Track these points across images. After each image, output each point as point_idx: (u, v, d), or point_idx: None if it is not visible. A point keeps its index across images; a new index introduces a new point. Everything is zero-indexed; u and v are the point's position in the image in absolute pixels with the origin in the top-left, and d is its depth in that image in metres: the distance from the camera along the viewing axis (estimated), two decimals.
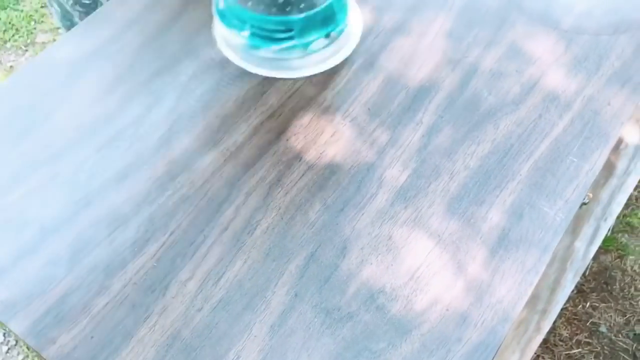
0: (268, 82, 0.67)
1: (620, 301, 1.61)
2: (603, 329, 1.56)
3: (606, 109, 0.64)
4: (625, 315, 1.58)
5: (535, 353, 0.90)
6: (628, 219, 1.72)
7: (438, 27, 0.71)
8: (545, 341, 1.49)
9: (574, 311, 1.60)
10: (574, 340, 1.54)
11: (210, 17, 0.72)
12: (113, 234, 0.57)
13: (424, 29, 0.71)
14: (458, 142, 0.62)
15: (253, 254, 0.56)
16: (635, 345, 1.54)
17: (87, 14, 0.87)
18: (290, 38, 0.63)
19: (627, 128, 0.65)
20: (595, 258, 1.68)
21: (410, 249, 0.56)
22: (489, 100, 0.65)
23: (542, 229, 0.57)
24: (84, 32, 0.72)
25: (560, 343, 1.54)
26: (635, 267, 1.65)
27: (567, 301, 1.61)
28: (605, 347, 1.53)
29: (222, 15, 0.66)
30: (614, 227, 1.73)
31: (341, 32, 0.67)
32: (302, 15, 0.61)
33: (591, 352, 1.54)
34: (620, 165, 0.86)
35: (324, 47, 0.66)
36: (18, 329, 0.52)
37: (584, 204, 0.60)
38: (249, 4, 0.62)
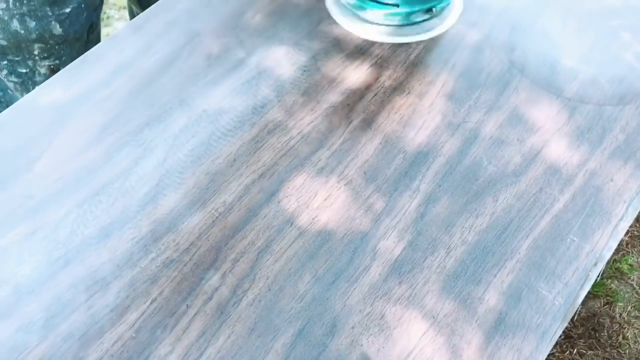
0: (260, 139, 0.65)
1: (608, 349, 1.59)
2: None
3: (609, 185, 0.62)
4: None
5: None
6: (618, 264, 1.71)
7: (439, 88, 0.69)
8: None
9: (560, 357, 1.58)
10: None
11: (205, 63, 0.69)
12: (91, 298, 0.54)
13: (425, 89, 0.69)
14: (456, 213, 0.60)
15: (237, 328, 0.53)
16: None
17: (22, 84, 0.85)
18: (396, 5, 0.71)
19: (629, 172, 0.63)
20: (584, 303, 1.66)
21: (403, 330, 0.54)
22: (488, 170, 0.63)
23: (540, 314, 0.55)
24: (72, 75, 0.70)
25: None
26: (624, 315, 1.64)
27: (555, 346, 1.59)
28: None
29: None
30: (603, 273, 1.72)
31: (442, 8, 0.74)
32: None
33: None
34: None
35: (423, 20, 0.74)
36: None
37: None
38: None
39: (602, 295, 1.67)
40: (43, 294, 0.55)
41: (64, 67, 0.70)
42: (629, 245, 1.74)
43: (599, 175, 0.63)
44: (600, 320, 1.64)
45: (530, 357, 0.52)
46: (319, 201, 0.61)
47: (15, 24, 0.80)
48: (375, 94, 0.69)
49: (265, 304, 0.55)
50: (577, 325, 1.62)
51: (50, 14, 0.81)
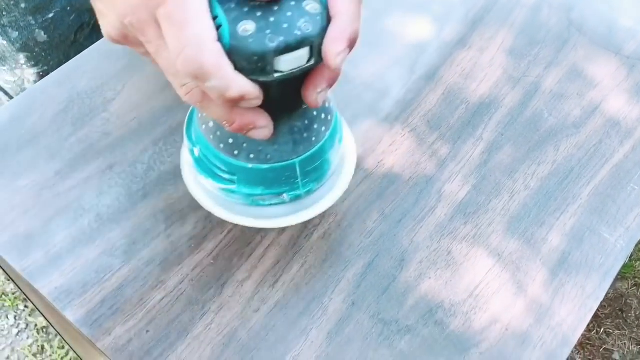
0: None
1: (635, 330, 1.60)
2: (616, 356, 1.56)
3: None
4: None
5: None
6: None
7: (499, 43, 0.71)
8: None
9: (587, 336, 1.59)
10: None
11: None
12: (170, 228, 0.57)
13: (485, 44, 0.71)
14: (519, 161, 0.62)
15: (310, 258, 0.56)
16: None
17: (12, 91, 0.83)
18: (232, 182, 0.50)
19: None
20: (612, 284, 1.67)
21: (469, 266, 0.56)
22: (549, 121, 0.65)
23: (602, 255, 0.56)
24: None
25: None
26: None
27: None
28: None
29: (189, 120, 0.52)
30: (632, 255, 1.72)
31: (297, 197, 0.51)
32: (250, 165, 0.48)
33: None
34: None
35: (273, 205, 0.51)
36: (73, 317, 0.52)
37: None
38: (203, 126, 0.49)
39: (630, 277, 1.68)
40: (124, 223, 0.57)
41: (52, 72, 0.68)
42: None
43: None
44: (628, 301, 1.65)
45: (594, 294, 0.54)
46: (384, 146, 0.63)
47: None
48: (437, 48, 0.71)
49: (335, 238, 0.57)
50: (605, 306, 1.63)
51: (33, 22, 0.78)
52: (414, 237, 0.57)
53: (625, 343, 1.58)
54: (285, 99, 0.43)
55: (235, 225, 0.57)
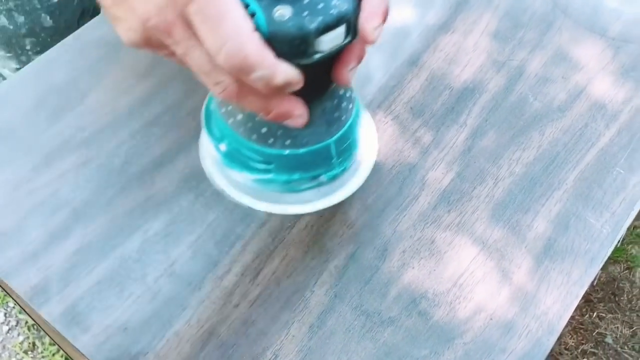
0: None
1: (628, 313, 1.60)
2: (609, 339, 1.56)
3: None
4: (632, 328, 1.57)
5: None
6: (638, 230, 1.71)
7: (483, 27, 0.70)
8: (550, 349, 1.48)
9: (580, 320, 1.59)
10: (579, 350, 1.53)
11: None
12: (147, 223, 0.56)
13: (469, 28, 0.69)
14: (503, 147, 0.61)
15: (291, 251, 0.55)
16: None
17: None
18: (268, 171, 0.49)
19: None
20: (604, 268, 1.67)
21: (453, 255, 0.55)
22: (534, 106, 0.64)
23: (588, 241, 0.56)
24: None
25: (566, 352, 1.53)
26: None
27: (575, 310, 1.59)
28: (611, 359, 1.53)
29: (207, 117, 0.52)
30: (624, 239, 1.72)
31: (334, 177, 0.51)
32: (286, 152, 0.48)
33: None
34: None
35: (308, 189, 0.51)
36: (49, 316, 0.51)
37: None
38: (230, 120, 0.48)
39: (622, 261, 1.68)
40: (100, 218, 0.56)
41: None
42: None
43: None
44: (620, 284, 1.65)
45: (580, 280, 0.53)
46: None
47: (3, 20, 0.77)
48: (419, 33, 0.69)
49: (317, 229, 0.56)
50: (597, 290, 1.63)
51: (39, 6, 0.78)
52: (396, 226, 0.56)
53: (617, 327, 1.58)
54: (318, 81, 0.43)
55: (215, 218, 0.56)
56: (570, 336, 1.57)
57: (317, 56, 0.39)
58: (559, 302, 0.52)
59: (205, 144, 0.53)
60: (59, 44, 0.68)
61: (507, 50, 0.68)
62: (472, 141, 0.61)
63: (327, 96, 0.46)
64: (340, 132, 0.48)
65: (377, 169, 0.59)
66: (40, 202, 0.56)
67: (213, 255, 0.54)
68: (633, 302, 1.62)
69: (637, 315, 1.60)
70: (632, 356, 1.53)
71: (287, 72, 0.37)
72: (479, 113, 0.63)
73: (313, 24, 0.37)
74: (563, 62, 0.67)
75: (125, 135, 0.61)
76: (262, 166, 0.49)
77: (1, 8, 0.77)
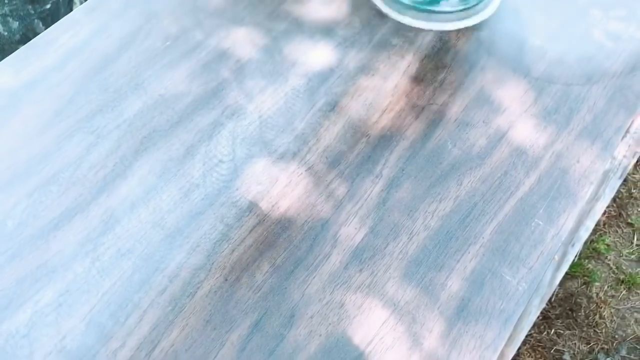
0: (219, 124, 0.63)
1: (585, 329, 1.60)
2: (567, 357, 1.55)
3: (575, 167, 0.61)
4: (589, 344, 1.57)
5: None
6: (595, 244, 1.71)
7: (404, 69, 0.67)
8: None
9: (538, 338, 1.58)
10: None
11: (162, 46, 0.67)
12: (38, 293, 0.52)
13: (389, 71, 0.67)
14: (419, 198, 0.58)
15: (192, 320, 0.51)
16: None
17: None
18: None
19: (595, 153, 0.61)
20: (561, 284, 1.67)
21: (362, 319, 0.52)
22: (453, 153, 0.61)
23: (503, 300, 0.53)
24: (22, 60, 0.67)
25: None
26: (601, 294, 1.64)
27: (532, 327, 1.59)
28: None
29: None
30: (580, 253, 1.72)
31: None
32: None
33: None
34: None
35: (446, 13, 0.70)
36: None
37: None
38: None
39: (579, 276, 1.68)
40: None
41: None
42: (606, 225, 1.74)
43: (566, 157, 0.61)
44: (578, 300, 1.65)
45: (492, 344, 0.51)
46: (280, 188, 0.59)
47: None
48: (339, 76, 0.67)
49: (221, 295, 0.53)
50: (555, 306, 1.62)
51: (32, 12, 0.79)
52: (305, 289, 0.53)
53: (575, 343, 1.57)
54: None
55: (112, 285, 0.53)
56: (528, 354, 1.56)
57: None
58: None
59: None
60: None
61: (428, 93, 0.66)
62: (387, 193, 0.59)
63: None
64: None
65: (288, 225, 0.57)
66: None
67: (107, 327, 0.51)
68: (590, 318, 1.62)
69: (594, 331, 1.59)
70: None
71: None
72: (395, 162, 0.61)
73: None
74: (485, 104, 0.65)
75: (22, 194, 0.57)
76: None
77: None
